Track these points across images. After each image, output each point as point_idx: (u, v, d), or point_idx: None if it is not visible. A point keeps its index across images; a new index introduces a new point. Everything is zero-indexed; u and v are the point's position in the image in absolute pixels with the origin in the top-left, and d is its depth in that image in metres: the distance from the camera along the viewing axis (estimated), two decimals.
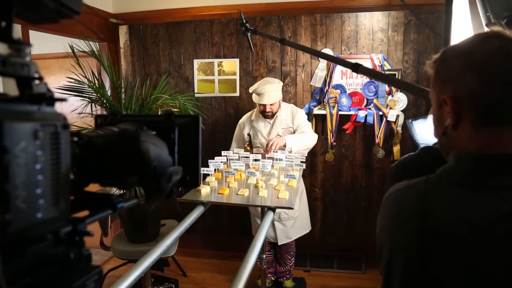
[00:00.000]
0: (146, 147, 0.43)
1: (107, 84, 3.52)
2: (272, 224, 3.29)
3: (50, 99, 0.37)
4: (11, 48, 0.36)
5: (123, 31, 4.06)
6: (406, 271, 0.84)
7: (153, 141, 0.45)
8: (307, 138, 3.19)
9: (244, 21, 2.67)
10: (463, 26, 2.43)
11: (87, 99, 3.28)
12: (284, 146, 3.01)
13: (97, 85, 3.31)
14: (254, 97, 3.23)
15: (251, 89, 3.27)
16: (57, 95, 0.39)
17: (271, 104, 3.17)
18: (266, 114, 3.23)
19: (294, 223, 3.35)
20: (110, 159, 0.42)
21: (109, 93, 3.45)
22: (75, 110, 3.26)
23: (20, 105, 0.34)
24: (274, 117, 3.30)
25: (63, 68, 4.15)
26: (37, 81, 0.38)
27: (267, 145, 2.98)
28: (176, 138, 0.53)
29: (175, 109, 3.39)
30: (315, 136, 3.28)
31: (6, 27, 0.35)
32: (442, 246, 0.78)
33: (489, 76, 0.77)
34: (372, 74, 1.82)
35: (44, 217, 0.34)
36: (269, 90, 3.13)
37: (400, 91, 3.62)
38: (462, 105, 0.81)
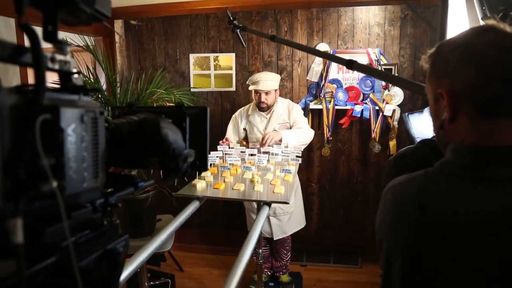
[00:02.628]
0: (166, 132, 0.51)
1: (102, 79, 3.58)
2: (268, 219, 3.35)
3: (86, 90, 0.46)
4: (56, 47, 0.44)
5: (118, 26, 4.12)
6: (405, 264, 0.86)
7: (171, 128, 0.53)
8: (304, 134, 3.24)
9: (231, 19, 2.71)
10: (460, 20, 2.50)
11: None
12: (280, 141, 3.06)
13: (92, 79, 3.38)
14: (251, 87, 3.27)
15: (248, 80, 3.32)
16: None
17: (266, 94, 3.22)
18: (261, 105, 3.26)
19: (289, 218, 3.42)
20: (134, 143, 0.51)
21: (104, 87, 3.52)
22: None
23: (65, 95, 0.43)
24: (271, 112, 3.34)
25: None
26: (75, 75, 0.46)
27: (262, 138, 3.03)
28: (187, 127, 0.62)
29: (171, 104, 3.46)
30: (312, 132, 3.34)
31: (53, 30, 0.43)
32: (441, 238, 0.80)
33: (485, 69, 0.79)
34: (367, 70, 1.87)
35: (87, 187, 0.42)
36: (266, 78, 3.19)
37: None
38: (459, 99, 0.83)
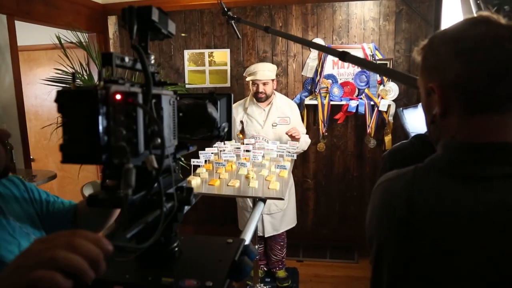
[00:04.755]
0: (211, 111, 0.83)
1: (95, 75, 3.86)
2: (261, 216, 3.50)
3: (165, 83, 0.78)
4: (146, 56, 0.76)
5: (112, 22, 4.41)
6: (394, 260, 0.90)
7: (212, 108, 0.85)
8: (308, 143, 3.70)
9: (226, 10, 2.91)
10: (454, 15, 2.74)
11: None
12: (297, 140, 3.42)
13: (85, 76, 3.66)
14: (248, 78, 3.55)
15: (245, 72, 3.61)
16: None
17: (264, 84, 3.50)
18: (259, 95, 3.52)
19: (283, 216, 3.69)
20: (190, 118, 0.82)
21: None
22: None
23: (155, 87, 0.74)
24: (270, 104, 3.62)
25: (51, 60, 4.48)
26: (156, 74, 0.78)
27: (290, 129, 3.40)
28: (219, 108, 0.93)
29: None
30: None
31: (145, 46, 0.75)
32: (428, 235, 0.83)
33: (476, 63, 0.81)
34: (360, 62, 2.01)
35: (171, 144, 0.74)
36: (263, 68, 3.49)
37: (391, 81, 4.03)
38: (450, 94, 0.85)
